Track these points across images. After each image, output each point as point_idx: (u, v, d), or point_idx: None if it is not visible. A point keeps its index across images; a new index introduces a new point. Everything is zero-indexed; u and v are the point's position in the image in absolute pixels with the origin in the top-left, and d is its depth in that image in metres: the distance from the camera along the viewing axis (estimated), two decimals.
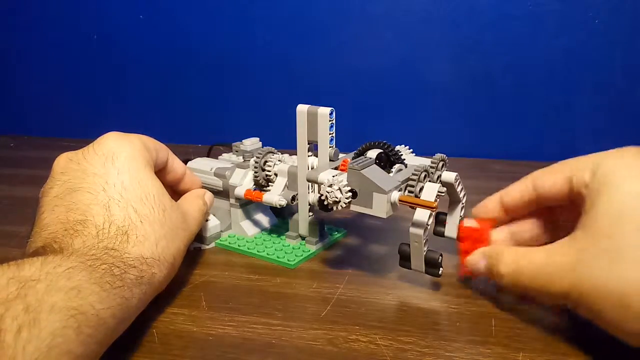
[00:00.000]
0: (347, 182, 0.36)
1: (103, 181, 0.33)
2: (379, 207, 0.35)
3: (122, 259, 0.30)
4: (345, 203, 0.36)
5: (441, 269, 0.37)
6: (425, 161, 0.40)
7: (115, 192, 0.33)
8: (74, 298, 0.25)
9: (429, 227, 0.36)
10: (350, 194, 0.36)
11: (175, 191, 0.43)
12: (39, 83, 0.86)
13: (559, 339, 0.32)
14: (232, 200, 0.46)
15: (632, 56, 0.67)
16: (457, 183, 0.40)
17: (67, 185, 0.34)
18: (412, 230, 0.36)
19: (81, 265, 0.27)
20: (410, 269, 0.38)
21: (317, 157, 0.42)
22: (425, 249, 0.36)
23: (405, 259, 0.38)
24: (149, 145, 0.38)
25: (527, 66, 0.70)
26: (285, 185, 0.44)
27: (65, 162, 0.35)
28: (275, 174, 0.45)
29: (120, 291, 0.29)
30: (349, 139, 0.46)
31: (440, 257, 0.36)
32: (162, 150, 0.40)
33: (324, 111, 0.40)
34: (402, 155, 0.40)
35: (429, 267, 0.37)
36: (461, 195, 0.40)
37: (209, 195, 0.44)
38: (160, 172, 0.40)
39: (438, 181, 0.39)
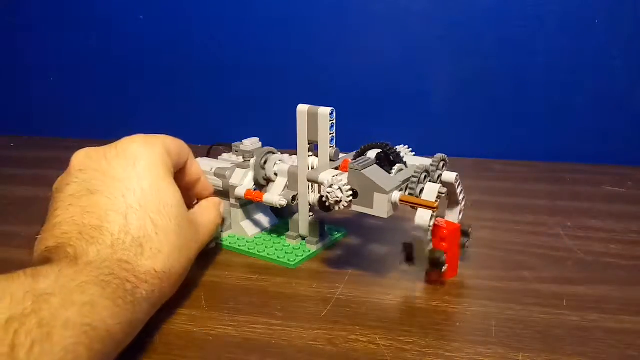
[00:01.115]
0: (347, 182, 0.36)
1: (123, 187, 0.33)
2: (380, 207, 0.35)
3: (134, 273, 0.30)
4: (346, 203, 0.36)
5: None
6: (426, 161, 0.40)
7: (134, 200, 0.32)
8: (88, 313, 0.25)
9: (430, 227, 0.36)
10: (350, 193, 0.36)
11: (188, 195, 0.42)
12: (39, 83, 0.86)
13: (559, 339, 0.32)
14: (233, 200, 0.46)
15: (632, 56, 0.67)
16: (457, 184, 0.40)
17: (85, 186, 0.33)
18: (415, 233, 0.36)
19: (95, 280, 0.27)
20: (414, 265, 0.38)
21: (317, 157, 0.42)
22: (428, 249, 0.36)
23: (408, 259, 0.38)
24: (171, 149, 0.37)
25: (527, 66, 0.69)
26: (286, 185, 0.44)
27: (84, 159, 0.34)
28: (276, 174, 0.45)
29: (131, 306, 0.29)
30: (349, 139, 0.46)
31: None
32: (183, 152, 0.39)
33: (324, 111, 0.40)
34: (402, 155, 0.40)
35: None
36: (460, 197, 0.40)
37: (222, 205, 0.44)
38: (177, 173, 0.39)
39: (438, 181, 0.39)
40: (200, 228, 0.38)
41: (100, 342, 0.25)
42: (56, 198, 0.33)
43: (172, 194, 0.35)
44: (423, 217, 0.35)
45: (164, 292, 0.33)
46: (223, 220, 0.46)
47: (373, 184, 0.35)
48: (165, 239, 0.33)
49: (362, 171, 0.35)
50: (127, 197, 0.32)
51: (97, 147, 0.35)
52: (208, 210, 0.41)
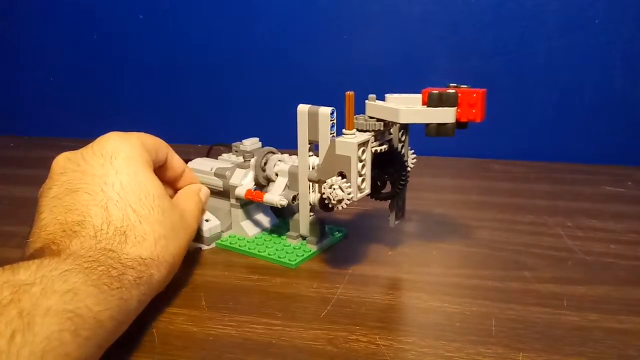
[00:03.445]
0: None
1: (102, 182, 0.33)
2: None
3: (119, 260, 0.30)
4: (348, 201, 0.36)
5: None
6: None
7: (114, 193, 0.33)
8: (70, 301, 0.25)
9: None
10: (350, 189, 0.35)
11: (174, 188, 0.43)
12: (39, 83, 0.86)
13: (559, 339, 0.32)
14: (233, 201, 0.46)
15: (632, 56, 0.67)
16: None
17: (66, 186, 0.33)
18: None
19: (78, 268, 0.27)
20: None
21: (317, 156, 0.42)
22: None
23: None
24: (148, 144, 0.38)
25: (527, 66, 0.70)
26: (286, 185, 0.44)
27: (64, 162, 0.35)
28: (276, 174, 0.45)
29: (118, 292, 0.29)
30: None
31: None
32: (161, 148, 0.40)
33: (325, 111, 0.40)
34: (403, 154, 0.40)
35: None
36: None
37: (204, 189, 0.44)
38: (159, 169, 0.40)
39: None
40: (186, 215, 0.38)
41: (87, 329, 0.25)
42: (41, 203, 0.34)
43: (152, 185, 0.35)
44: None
45: (153, 279, 0.33)
46: (205, 211, 0.46)
47: None
48: (149, 227, 0.33)
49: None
50: (106, 190, 0.33)
51: (75, 150, 0.36)
52: (189, 197, 0.41)
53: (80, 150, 0.36)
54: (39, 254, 0.30)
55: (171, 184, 0.43)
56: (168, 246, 0.34)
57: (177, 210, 0.37)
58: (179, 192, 0.42)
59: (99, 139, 0.36)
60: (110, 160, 0.34)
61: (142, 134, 0.38)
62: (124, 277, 0.30)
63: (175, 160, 0.42)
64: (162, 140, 0.40)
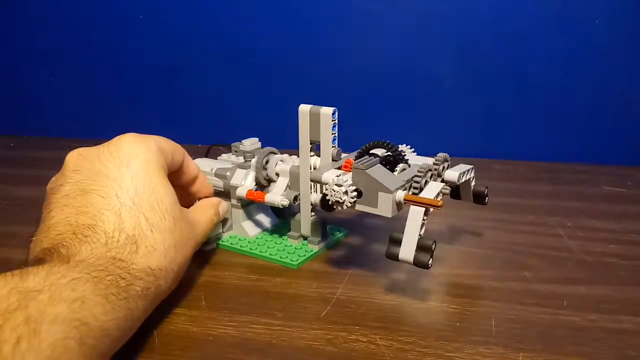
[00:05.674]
0: (352, 182, 0.36)
1: (117, 185, 0.33)
2: (385, 207, 0.35)
3: (128, 270, 0.30)
4: (349, 203, 0.36)
5: (431, 259, 0.34)
6: (429, 160, 0.40)
7: (128, 199, 0.32)
8: (78, 309, 0.25)
9: (426, 219, 0.35)
10: (355, 193, 0.36)
11: (186, 192, 0.43)
12: (40, 83, 0.86)
13: (559, 339, 0.32)
14: (234, 201, 0.46)
15: (632, 56, 0.67)
16: (472, 178, 0.40)
17: (79, 186, 0.33)
18: (413, 208, 0.35)
19: (86, 276, 0.27)
20: (398, 259, 0.35)
21: (319, 157, 0.42)
22: (420, 234, 0.35)
23: (395, 244, 0.35)
24: (165, 148, 0.37)
25: (527, 66, 0.70)
26: (287, 185, 0.44)
27: (78, 160, 0.34)
28: (277, 174, 0.45)
29: (125, 303, 0.29)
30: (348, 139, 0.46)
31: (433, 245, 0.34)
32: (178, 153, 0.39)
33: (326, 111, 0.40)
34: (405, 155, 0.40)
35: (420, 252, 0.34)
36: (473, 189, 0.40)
37: (223, 205, 0.43)
38: (174, 172, 0.39)
39: (440, 180, 0.39)
40: (196, 225, 0.38)
41: (93, 338, 0.25)
42: (50, 199, 0.33)
43: (166, 192, 0.35)
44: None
45: (160, 289, 0.33)
46: (225, 221, 0.46)
47: (377, 183, 0.35)
48: (160, 237, 0.33)
49: (366, 171, 0.35)
50: (120, 195, 0.32)
51: (90, 147, 0.35)
52: (205, 209, 0.41)
53: (95, 148, 0.35)
54: (46, 254, 0.29)
55: (184, 188, 0.42)
56: (176, 256, 0.34)
57: (188, 220, 0.37)
58: (197, 203, 0.42)
59: (115, 139, 0.35)
60: (126, 163, 0.34)
61: (159, 137, 0.37)
62: (132, 288, 0.29)
63: (191, 165, 0.42)
64: (178, 145, 0.39)
